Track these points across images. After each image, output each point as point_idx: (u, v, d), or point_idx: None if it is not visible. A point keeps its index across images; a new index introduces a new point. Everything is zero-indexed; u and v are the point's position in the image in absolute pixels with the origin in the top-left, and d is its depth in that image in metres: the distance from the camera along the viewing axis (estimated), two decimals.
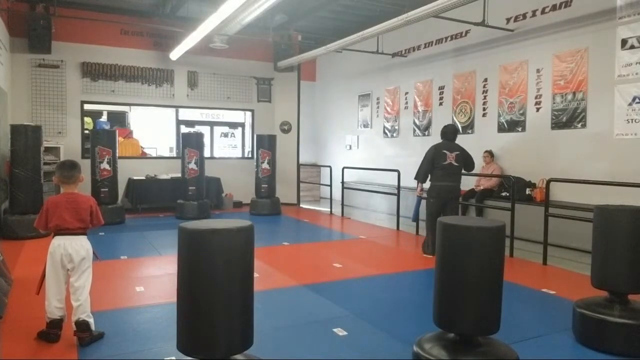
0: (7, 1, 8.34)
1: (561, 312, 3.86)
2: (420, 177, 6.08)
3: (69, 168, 3.40)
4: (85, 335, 3.19)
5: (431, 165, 5.93)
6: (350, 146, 12.37)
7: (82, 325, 3.18)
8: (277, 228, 8.71)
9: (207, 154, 10.27)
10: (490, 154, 8.21)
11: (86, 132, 9.69)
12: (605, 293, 3.38)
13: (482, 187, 8.17)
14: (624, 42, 6.40)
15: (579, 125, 7.05)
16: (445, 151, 5.90)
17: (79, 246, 3.26)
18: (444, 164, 5.88)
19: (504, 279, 2.67)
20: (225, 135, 12.29)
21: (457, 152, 5.94)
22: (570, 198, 6.92)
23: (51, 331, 3.21)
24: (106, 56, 9.74)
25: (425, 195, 6.19)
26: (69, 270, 3.25)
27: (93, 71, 9.66)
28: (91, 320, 3.24)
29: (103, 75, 9.76)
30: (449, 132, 6.07)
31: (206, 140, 10.25)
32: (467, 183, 8.64)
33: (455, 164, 5.92)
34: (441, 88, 9.58)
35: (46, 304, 3.21)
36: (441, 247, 2.68)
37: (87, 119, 10.27)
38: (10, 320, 3.64)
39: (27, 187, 7.01)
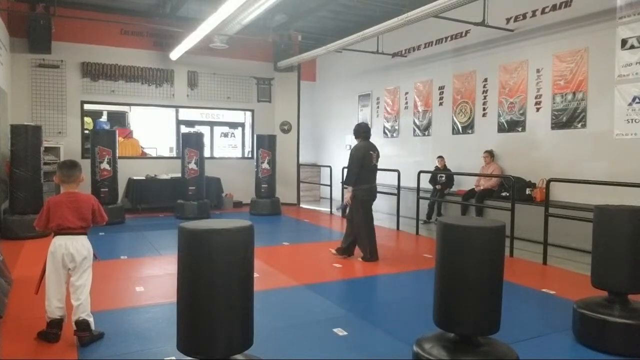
0: (7, 1, 8.34)
1: (561, 312, 3.86)
2: (352, 180, 5.68)
3: (70, 167, 3.42)
4: (85, 334, 3.19)
5: (361, 166, 5.67)
6: (350, 146, 12.33)
7: (82, 325, 3.19)
8: (277, 228, 8.70)
9: (207, 154, 10.27)
10: (490, 154, 8.20)
11: (86, 132, 9.68)
12: (605, 293, 3.38)
13: (482, 187, 8.16)
14: (624, 42, 6.40)
15: (579, 125, 7.05)
16: (371, 152, 5.76)
17: (80, 246, 3.27)
18: (370, 165, 5.74)
19: (504, 279, 2.67)
20: (225, 135, 12.28)
21: (377, 152, 5.87)
22: (570, 198, 6.92)
23: (51, 331, 3.21)
24: (106, 56, 9.74)
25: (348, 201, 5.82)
26: (69, 269, 3.26)
27: (93, 71, 9.65)
28: (91, 320, 3.24)
29: (103, 75, 9.76)
30: (367, 131, 5.89)
31: (206, 140, 10.25)
32: (468, 183, 8.66)
33: (376, 164, 5.85)
34: (441, 88, 9.58)
35: (46, 303, 3.21)
36: (441, 247, 2.68)
37: (87, 119, 10.27)
38: (10, 320, 3.64)
39: (27, 187, 7.00)
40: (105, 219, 3.46)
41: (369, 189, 5.75)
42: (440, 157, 8.92)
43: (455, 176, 8.86)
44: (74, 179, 3.39)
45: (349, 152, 5.82)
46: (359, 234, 5.75)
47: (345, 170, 5.95)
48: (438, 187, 8.80)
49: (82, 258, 3.26)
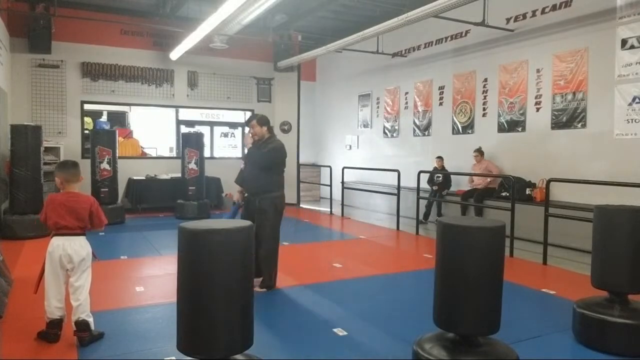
0: (7, 1, 8.33)
1: (561, 312, 3.85)
2: (278, 184, 4.58)
3: (73, 166, 3.43)
4: (85, 334, 3.19)
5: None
6: (350, 146, 12.37)
7: (81, 325, 3.19)
8: None
9: (207, 154, 10.26)
10: (480, 152, 8.18)
11: (86, 132, 9.69)
12: (605, 293, 3.38)
13: (480, 186, 8.14)
14: (624, 42, 6.40)
15: (579, 125, 7.05)
16: None
17: (78, 247, 3.26)
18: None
19: (504, 279, 2.67)
20: (225, 135, 12.27)
21: None
22: (570, 198, 6.92)
23: (51, 331, 3.21)
24: (106, 56, 9.74)
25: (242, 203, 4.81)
26: (68, 270, 3.25)
27: (93, 71, 9.65)
28: (91, 320, 3.24)
29: (103, 75, 9.76)
30: None
31: (206, 140, 10.24)
32: (465, 183, 8.65)
33: None
34: (441, 88, 9.58)
35: (46, 304, 3.21)
36: (441, 247, 2.68)
37: (87, 119, 10.27)
38: (10, 320, 3.64)
39: (27, 187, 7.01)
40: (104, 222, 3.41)
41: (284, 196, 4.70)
42: (439, 157, 8.91)
43: (455, 177, 8.85)
44: (77, 178, 3.40)
45: (270, 147, 4.50)
46: (272, 250, 4.54)
47: (281, 169, 4.64)
48: (435, 187, 8.79)
49: (80, 259, 3.25)
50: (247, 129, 5.28)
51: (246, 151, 4.91)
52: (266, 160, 4.47)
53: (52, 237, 3.28)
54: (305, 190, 12.14)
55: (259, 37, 9.93)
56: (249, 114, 11.41)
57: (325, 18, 10.50)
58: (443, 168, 8.86)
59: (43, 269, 3.26)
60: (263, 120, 4.60)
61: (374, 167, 10.41)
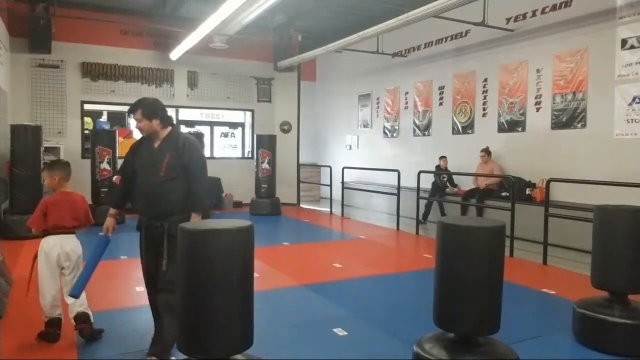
0: (7, 1, 8.33)
1: (561, 312, 3.85)
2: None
3: (68, 165, 3.49)
4: (86, 326, 3.21)
5: None
6: (350, 146, 12.37)
7: (82, 317, 3.21)
8: (277, 228, 8.70)
9: (207, 154, 10.27)
10: (487, 152, 8.15)
11: (86, 132, 9.68)
12: (605, 293, 3.38)
13: (485, 184, 8.12)
14: (624, 42, 6.40)
15: (579, 125, 7.05)
16: None
17: (74, 244, 3.32)
18: None
19: (504, 279, 2.66)
20: (225, 135, 12.26)
21: None
22: (570, 198, 6.92)
23: (50, 330, 3.22)
24: (106, 56, 9.74)
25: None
26: (63, 268, 3.28)
27: (93, 71, 9.66)
28: (90, 313, 3.27)
29: (103, 75, 9.76)
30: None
31: (206, 140, 10.24)
32: (468, 183, 8.65)
33: None
34: (441, 88, 9.58)
35: (42, 303, 3.22)
36: (441, 247, 2.68)
37: (87, 119, 10.26)
38: (10, 320, 3.63)
39: (27, 187, 7.00)
40: (91, 221, 3.49)
41: None
42: (443, 157, 8.88)
43: (456, 176, 8.85)
44: (70, 177, 3.44)
45: (189, 148, 3.33)
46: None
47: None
48: (449, 189, 8.78)
49: (77, 256, 3.32)
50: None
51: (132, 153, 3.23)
52: (193, 166, 3.31)
53: (44, 237, 3.29)
54: (305, 190, 12.14)
55: (259, 37, 9.94)
56: (249, 114, 11.48)
57: (325, 18, 10.51)
58: (446, 168, 8.86)
59: (32, 271, 3.27)
60: (150, 110, 3.03)
61: (374, 167, 10.41)
